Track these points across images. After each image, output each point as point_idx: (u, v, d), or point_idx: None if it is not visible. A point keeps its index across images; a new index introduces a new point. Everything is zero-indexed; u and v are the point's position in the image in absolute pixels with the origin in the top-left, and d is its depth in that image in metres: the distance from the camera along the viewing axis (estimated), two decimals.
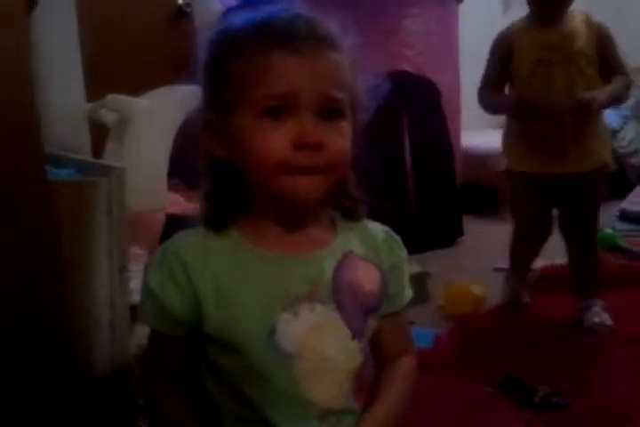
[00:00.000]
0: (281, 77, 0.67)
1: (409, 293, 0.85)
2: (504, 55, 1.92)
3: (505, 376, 1.57)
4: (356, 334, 0.76)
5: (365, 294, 0.77)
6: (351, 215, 0.80)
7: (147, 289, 0.72)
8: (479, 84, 2.00)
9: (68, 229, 0.99)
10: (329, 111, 0.69)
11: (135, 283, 1.27)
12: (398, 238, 0.83)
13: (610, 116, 2.97)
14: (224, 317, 0.71)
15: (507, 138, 2.00)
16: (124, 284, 1.11)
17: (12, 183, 0.87)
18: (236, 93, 0.69)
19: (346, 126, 0.71)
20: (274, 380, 0.72)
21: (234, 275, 0.71)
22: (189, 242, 0.73)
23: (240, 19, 0.71)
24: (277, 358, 0.71)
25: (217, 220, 0.74)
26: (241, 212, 0.75)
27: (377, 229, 0.82)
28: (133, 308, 1.16)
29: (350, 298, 0.75)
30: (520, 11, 4.34)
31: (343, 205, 0.79)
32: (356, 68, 0.73)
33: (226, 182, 0.74)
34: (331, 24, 0.71)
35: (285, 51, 0.67)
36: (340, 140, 0.70)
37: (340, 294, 0.74)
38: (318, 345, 0.73)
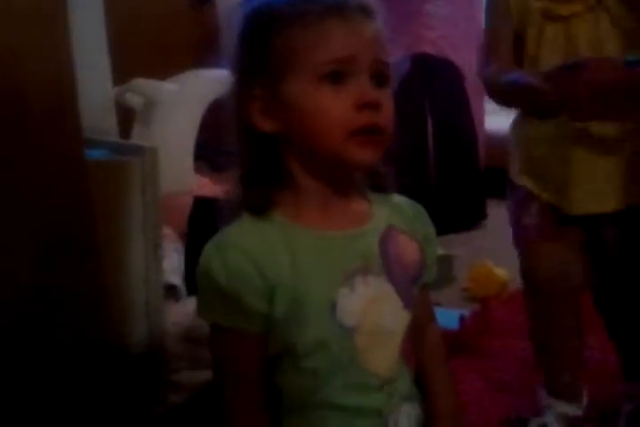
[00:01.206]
0: (339, 43, 0.68)
1: (435, 267, 0.86)
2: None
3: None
4: (406, 304, 0.77)
5: (409, 264, 0.78)
6: (380, 188, 0.80)
7: (215, 287, 0.70)
8: (478, 65, 1.34)
9: (103, 208, 1.01)
10: (380, 77, 0.70)
11: (165, 262, 1.29)
12: (424, 210, 0.84)
13: None
14: (291, 299, 0.70)
15: (522, 145, 1.33)
16: (158, 262, 1.13)
17: (52, 164, 0.89)
18: (290, 62, 0.69)
19: (390, 93, 0.72)
20: (336, 355, 0.72)
21: (293, 257, 0.71)
22: (244, 232, 0.72)
23: None
24: (340, 333, 0.72)
25: (258, 202, 0.73)
26: (278, 192, 0.74)
27: (406, 202, 0.83)
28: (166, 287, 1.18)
29: (399, 269, 0.76)
30: None
31: (372, 179, 0.80)
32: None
33: (266, 159, 0.73)
34: None
35: (338, 19, 0.68)
36: (389, 101, 0.71)
37: (389, 266, 0.75)
38: (376, 317, 0.74)
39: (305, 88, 0.69)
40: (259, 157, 0.73)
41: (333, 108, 0.68)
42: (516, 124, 1.35)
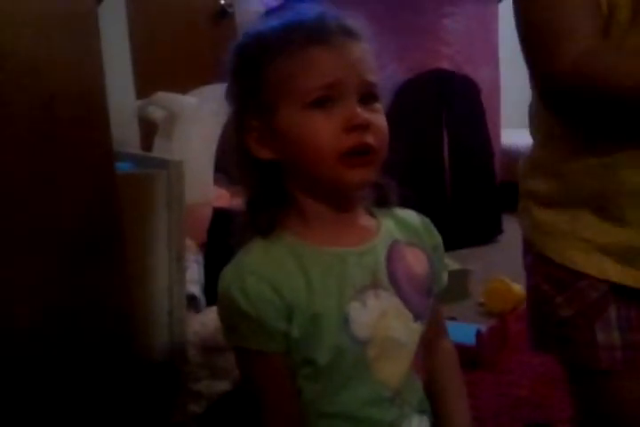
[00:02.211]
0: (323, 69, 0.70)
1: (446, 274, 0.87)
2: None
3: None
4: (417, 317, 0.78)
5: (418, 277, 0.79)
6: (382, 203, 0.82)
7: (237, 313, 0.72)
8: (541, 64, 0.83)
9: (129, 220, 1.02)
10: (368, 96, 0.72)
11: (186, 273, 1.31)
12: (430, 221, 0.86)
13: None
14: (307, 317, 0.72)
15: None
16: (181, 273, 1.15)
17: (83, 176, 0.91)
18: (277, 92, 0.71)
19: (381, 108, 0.74)
20: (349, 367, 0.74)
21: (305, 276, 0.73)
22: (258, 257, 0.74)
23: (266, 23, 0.74)
24: (352, 346, 0.73)
25: (265, 225, 0.75)
26: (285, 213, 0.76)
27: (411, 214, 0.85)
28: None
29: (406, 283, 0.78)
30: None
31: (374, 193, 0.81)
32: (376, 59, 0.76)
33: (268, 184, 0.76)
34: (354, 18, 0.75)
35: (321, 45, 0.70)
36: (381, 119, 0.73)
37: (397, 280, 0.77)
38: (387, 330, 0.75)
39: (295, 116, 0.71)
40: (261, 183, 0.76)
41: (323, 133, 0.70)
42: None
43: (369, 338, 0.74)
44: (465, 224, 2.78)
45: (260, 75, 0.72)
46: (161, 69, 2.37)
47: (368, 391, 0.76)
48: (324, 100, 0.70)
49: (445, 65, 2.79)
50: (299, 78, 0.70)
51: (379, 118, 0.73)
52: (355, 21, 0.75)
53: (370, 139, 0.70)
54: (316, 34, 0.71)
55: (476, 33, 2.88)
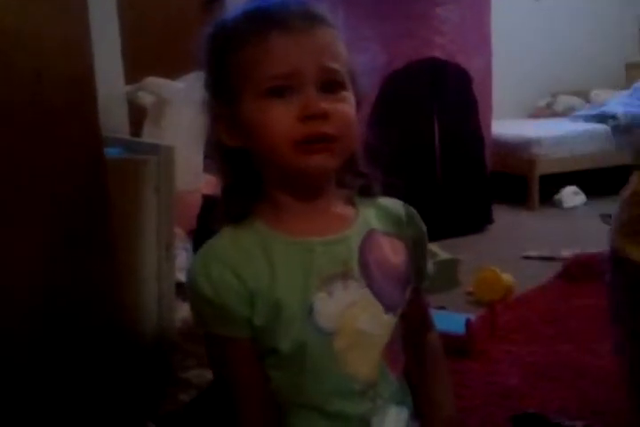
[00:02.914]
0: (282, 57, 0.69)
1: (430, 267, 0.87)
2: None
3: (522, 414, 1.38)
4: (389, 308, 0.77)
5: (393, 268, 0.79)
6: (366, 192, 0.81)
7: (203, 299, 0.73)
8: None
9: (119, 206, 1.01)
10: (330, 84, 0.71)
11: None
12: (416, 212, 0.85)
13: None
14: (269, 305, 0.72)
15: None
16: (170, 260, 1.13)
17: (72, 161, 0.90)
18: (240, 80, 0.71)
19: (348, 96, 0.73)
20: (315, 360, 0.74)
21: (270, 264, 0.73)
22: (225, 244, 0.75)
23: (235, 10, 0.74)
24: (317, 337, 0.73)
25: (238, 212, 0.75)
26: (258, 201, 0.76)
27: (395, 203, 0.84)
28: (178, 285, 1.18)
29: (379, 273, 0.77)
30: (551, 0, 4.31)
31: (357, 183, 0.81)
32: (351, 46, 0.75)
33: (240, 172, 0.76)
34: (321, 4, 0.74)
35: (281, 31, 0.69)
36: (344, 107, 0.72)
37: (369, 271, 0.76)
38: (354, 321, 0.75)
39: (254, 105, 0.71)
40: (234, 170, 0.76)
41: (279, 122, 0.69)
42: None
43: (335, 329, 0.74)
44: (455, 213, 2.78)
45: (225, 63, 0.72)
46: (150, 55, 2.33)
47: (336, 384, 0.75)
48: (282, 89, 0.69)
49: (438, 54, 2.77)
50: (257, 67, 0.70)
51: (341, 107, 0.71)
52: (320, 6, 0.74)
53: (327, 128, 0.70)
54: (275, 19, 0.70)
55: (469, 22, 2.87)
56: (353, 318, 0.75)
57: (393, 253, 0.79)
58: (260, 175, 0.76)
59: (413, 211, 0.84)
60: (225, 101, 0.73)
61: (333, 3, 0.78)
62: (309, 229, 0.75)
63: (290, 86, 0.69)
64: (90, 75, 0.91)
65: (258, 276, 0.73)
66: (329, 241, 0.75)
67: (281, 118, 0.69)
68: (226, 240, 0.75)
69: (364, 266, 0.76)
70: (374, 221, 0.80)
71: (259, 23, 0.70)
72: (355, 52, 0.76)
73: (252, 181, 0.76)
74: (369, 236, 0.78)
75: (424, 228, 0.84)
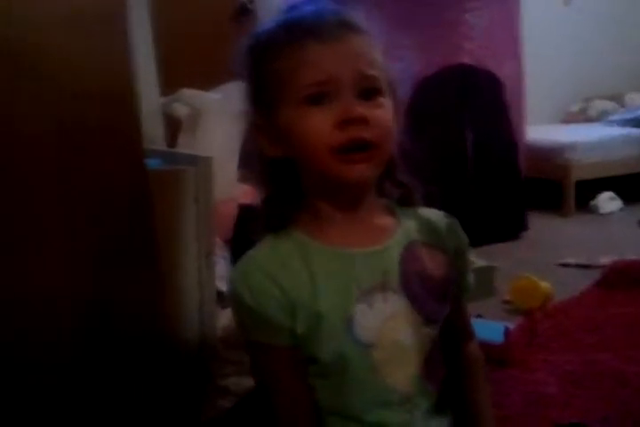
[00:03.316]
0: (318, 65, 0.70)
1: (472, 277, 0.86)
2: None
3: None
4: (429, 321, 0.77)
5: (434, 280, 0.78)
6: (406, 202, 0.81)
7: (244, 308, 0.74)
8: None
9: (160, 216, 1.03)
10: (368, 90, 0.71)
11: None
12: (458, 223, 0.84)
13: None
14: (310, 315, 0.73)
15: None
16: (210, 269, 1.15)
17: (115, 172, 0.92)
18: (279, 89, 0.72)
19: (386, 102, 0.73)
20: (354, 370, 0.74)
21: (310, 274, 0.73)
22: (266, 254, 0.75)
23: (270, 21, 0.75)
24: (357, 349, 0.73)
25: (278, 222, 0.76)
26: (298, 211, 0.77)
27: (437, 214, 0.83)
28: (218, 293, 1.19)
29: (419, 285, 0.76)
30: (581, 3, 4.27)
31: (397, 193, 0.81)
32: (387, 53, 0.75)
33: (282, 182, 0.76)
34: (356, 12, 0.75)
35: (317, 40, 0.70)
36: (383, 113, 0.72)
37: (409, 283, 0.76)
38: (394, 333, 0.75)
39: (293, 113, 0.71)
40: (276, 180, 0.77)
41: (317, 129, 0.70)
42: None
43: (374, 342, 0.74)
44: (490, 220, 2.75)
45: (263, 74, 0.73)
46: (184, 66, 2.37)
47: (375, 395, 0.75)
48: (320, 97, 0.70)
49: (467, 60, 2.76)
50: (294, 76, 0.70)
51: (379, 113, 0.71)
52: (355, 15, 0.74)
53: (367, 134, 0.70)
54: (310, 29, 0.71)
55: (499, 28, 2.85)
56: (392, 331, 0.75)
57: (433, 265, 0.78)
58: (299, 185, 0.76)
59: (455, 221, 0.83)
60: (264, 112, 0.74)
61: (368, 11, 0.78)
62: (350, 240, 0.75)
63: (327, 93, 0.70)
64: (131, 90, 0.93)
65: (298, 286, 0.73)
66: (369, 252, 0.75)
67: (319, 125, 0.70)
68: (266, 250, 0.76)
69: (404, 278, 0.76)
70: (415, 232, 0.79)
71: (294, 33, 0.71)
72: (391, 60, 0.76)
73: (292, 191, 0.76)
74: (409, 247, 0.78)
75: (466, 239, 0.83)
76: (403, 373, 0.76)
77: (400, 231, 0.78)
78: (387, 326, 0.74)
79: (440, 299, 0.79)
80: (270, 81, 0.73)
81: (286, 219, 0.76)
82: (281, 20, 0.74)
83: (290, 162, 0.75)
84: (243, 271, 0.75)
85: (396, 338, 0.75)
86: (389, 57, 0.77)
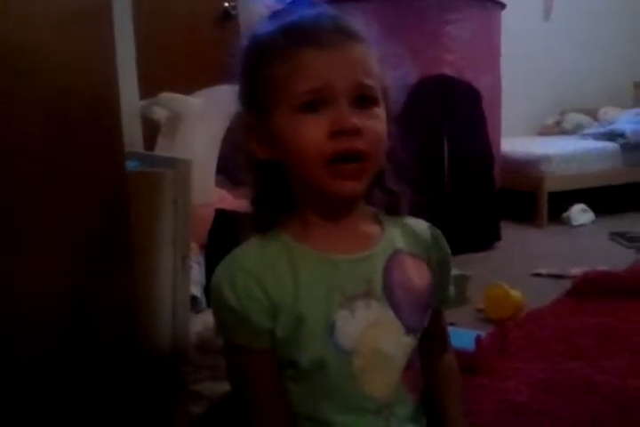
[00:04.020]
0: (315, 72, 0.70)
1: (452, 289, 0.87)
2: None
3: None
4: (409, 330, 0.77)
5: (417, 289, 0.78)
6: (393, 210, 0.82)
7: (226, 308, 0.73)
8: None
9: (137, 218, 1.02)
10: (362, 99, 0.71)
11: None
12: (442, 235, 0.85)
13: None
14: (291, 318, 0.73)
15: None
16: (186, 272, 1.14)
17: (94, 174, 0.91)
18: (274, 94, 0.72)
19: (380, 112, 0.73)
20: (333, 376, 0.74)
21: (295, 277, 0.73)
22: (251, 253, 0.75)
23: (269, 25, 0.75)
24: (337, 355, 0.73)
25: (264, 223, 0.76)
26: (286, 214, 0.77)
27: (422, 225, 0.84)
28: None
29: (402, 294, 0.77)
30: (560, 19, 4.36)
31: (384, 201, 0.81)
32: (383, 61, 0.75)
33: (270, 184, 0.77)
34: (354, 19, 0.75)
35: (314, 46, 0.70)
36: (377, 124, 0.72)
37: (392, 291, 0.76)
38: (375, 341, 0.75)
39: (286, 119, 0.71)
40: (264, 182, 0.77)
41: (310, 137, 0.69)
42: None
43: (354, 348, 0.74)
44: (463, 230, 2.78)
45: (259, 77, 0.73)
46: (165, 70, 2.37)
47: (352, 402, 0.75)
48: (315, 104, 0.70)
49: (447, 71, 2.80)
50: (290, 81, 0.70)
51: (373, 123, 0.71)
52: (354, 22, 0.74)
53: (360, 144, 0.69)
54: (308, 34, 0.71)
55: (479, 40, 2.90)
56: (373, 338, 0.75)
57: (417, 274, 0.79)
58: (287, 187, 0.77)
59: (439, 233, 0.84)
60: (257, 114, 0.74)
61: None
62: (335, 246, 0.75)
63: (322, 100, 0.70)
64: (114, 93, 0.93)
65: (282, 288, 0.73)
66: (354, 259, 0.75)
67: (312, 134, 0.69)
68: (253, 250, 0.75)
69: (387, 286, 0.76)
70: (400, 241, 0.80)
71: (292, 38, 0.71)
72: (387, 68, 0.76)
73: (280, 193, 0.77)
74: (394, 256, 0.78)
75: (449, 250, 0.84)
76: (382, 381, 0.76)
77: (385, 240, 0.78)
78: (368, 334, 0.74)
79: (422, 309, 0.79)
80: (266, 84, 0.73)
81: (274, 220, 0.76)
82: (280, 24, 0.74)
83: (278, 165, 0.75)
84: (227, 270, 0.74)
85: (376, 346, 0.75)
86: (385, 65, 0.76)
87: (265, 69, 0.72)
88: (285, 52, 0.71)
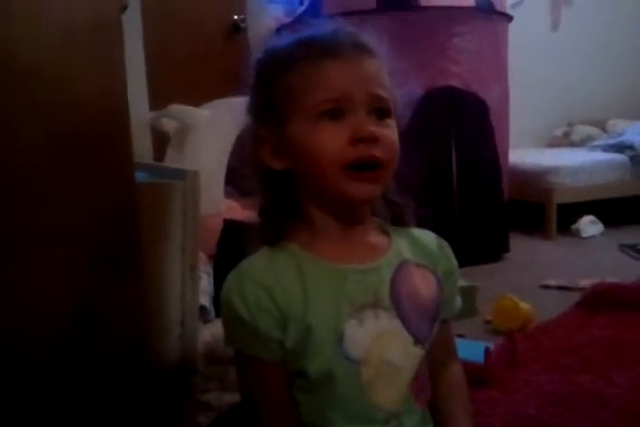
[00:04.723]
0: (333, 82, 0.71)
1: (459, 300, 0.87)
2: None
3: None
4: (417, 340, 0.77)
5: (424, 300, 0.79)
6: (399, 221, 0.82)
7: (236, 318, 0.73)
8: None
9: (146, 229, 1.03)
10: (378, 111, 0.73)
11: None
12: (448, 245, 0.85)
13: None
14: (300, 328, 0.73)
15: None
16: (194, 282, 1.15)
17: (104, 185, 0.92)
18: (291, 104, 0.73)
19: (393, 123, 0.75)
20: (342, 386, 0.74)
21: (303, 288, 0.74)
22: (261, 264, 0.75)
23: (284, 39, 0.77)
24: (346, 365, 0.73)
25: (271, 234, 0.76)
26: (294, 225, 0.77)
27: (428, 235, 0.84)
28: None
29: (410, 305, 0.77)
30: (569, 29, 4.37)
31: (388, 212, 0.81)
32: (391, 77, 0.77)
33: (279, 195, 0.77)
34: (367, 35, 0.77)
35: (334, 59, 0.72)
36: (392, 134, 0.74)
37: (400, 302, 0.76)
38: (383, 351, 0.75)
39: (305, 127, 0.72)
40: (274, 192, 0.78)
41: (330, 144, 0.71)
42: None
43: (363, 359, 0.74)
44: (472, 242, 2.78)
45: (274, 88, 0.75)
46: (174, 82, 2.39)
47: (360, 411, 0.75)
48: (334, 112, 0.71)
49: (455, 83, 2.81)
50: (309, 92, 0.72)
51: (388, 133, 0.73)
52: (367, 38, 0.76)
53: (377, 152, 0.71)
54: (328, 48, 0.72)
55: (486, 52, 2.91)
56: (382, 348, 0.75)
57: (424, 285, 0.79)
58: (295, 197, 0.77)
59: (445, 243, 0.84)
60: (272, 124, 0.75)
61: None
62: (343, 256, 0.76)
63: (341, 109, 0.71)
64: (124, 104, 0.94)
65: (291, 299, 0.73)
66: (362, 270, 0.76)
67: (332, 140, 0.71)
68: (262, 261, 0.76)
69: (395, 297, 0.76)
70: (407, 251, 0.80)
71: (312, 50, 0.73)
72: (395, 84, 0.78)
73: (288, 203, 0.77)
74: (401, 267, 0.78)
75: (455, 262, 0.84)
76: (390, 391, 0.76)
77: (393, 250, 0.79)
78: (376, 344, 0.74)
79: (430, 319, 0.79)
80: (283, 94, 0.74)
81: (282, 231, 0.77)
82: (298, 38, 0.76)
83: (287, 175, 0.76)
84: (237, 281, 0.75)
85: (385, 356, 0.75)
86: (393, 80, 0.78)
87: (282, 80, 0.74)
88: (304, 64, 0.73)
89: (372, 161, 0.71)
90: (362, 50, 0.74)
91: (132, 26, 1.96)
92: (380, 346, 0.75)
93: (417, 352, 0.78)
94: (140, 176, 1.20)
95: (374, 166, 0.72)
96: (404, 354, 0.76)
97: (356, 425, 0.76)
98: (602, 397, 1.56)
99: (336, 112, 0.71)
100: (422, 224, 0.84)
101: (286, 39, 0.77)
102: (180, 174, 1.15)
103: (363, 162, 0.71)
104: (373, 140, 0.71)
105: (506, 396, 1.58)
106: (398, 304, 0.76)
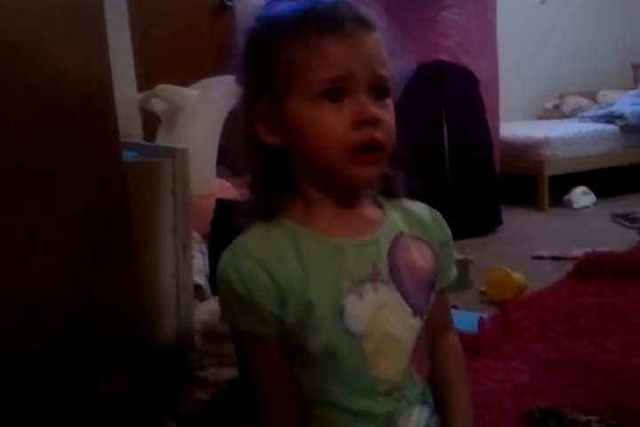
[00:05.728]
0: (336, 60, 0.69)
1: (454, 270, 0.87)
2: None
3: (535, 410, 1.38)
4: (416, 311, 0.78)
5: (421, 271, 0.78)
6: (390, 193, 0.81)
7: (233, 294, 0.72)
8: None
9: (136, 208, 1.03)
10: (379, 90, 0.71)
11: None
12: (441, 215, 0.85)
13: None
14: (301, 304, 0.72)
15: None
16: (187, 261, 1.16)
17: (91, 165, 0.92)
18: (291, 78, 0.71)
19: (391, 104, 0.74)
20: (343, 361, 0.74)
21: (301, 263, 0.73)
22: (256, 240, 0.74)
23: (280, 8, 0.73)
24: (347, 339, 0.73)
25: (266, 209, 0.75)
26: (288, 199, 0.76)
27: (420, 207, 0.84)
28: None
29: (408, 276, 0.77)
30: (557, 1, 4.33)
31: (381, 183, 0.81)
32: (388, 50, 0.74)
33: (273, 169, 0.76)
34: (368, 7, 0.74)
35: (335, 35, 0.69)
36: (389, 115, 0.72)
37: (398, 273, 0.76)
38: (383, 324, 0.75)
39: (304, 106, 0.70)
40: (267, 167, 0.76)
41: (332, 126, 0.69)
42: None
43: (365, 332, 0.74)
44: (465, 215, 2.79)
45: (272, 61, 0.72)
46: (162, 62, 2.37)
47: (363, 385, 0.76)
48: (334, 92, 0.69)
49: (444, 57, 2.80)
50: (310, 68, 0.69)
51: (387, 114, 0.72)
52: (368, 10, 0.73)
53: (379, 134, 0.70)
54: (329, 22, 0.70)
55: (475, 25, 2.89)
56: (383, 321, 0.75)
57: (420, 256, 0.79)
58: (290, 172, 0.76)
59: (438, 214, 0.84)
60: (269, 99, 0.73)
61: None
62: (339, 230, 0.75)
63: (342, 90, 0.69)
64: (108, 84, 0.94)
65: (289, 274, 0.72)
66: (359, 243, 0.75)
67: (334, 122, 0.69)
68: (257, 237, 0.75)
69: (393, 269, 0.76)
70: (401, 224, 0.80)
71: (311, 23, 0.70)
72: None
73: (282, 178, 0.76)
74: (398, 239, 0.78)
75: (449, 231, 0.84)
76: (392, 363, 0.77)
77: (388, 223, 0.78)
78: (377, 317, 0.74)
79: (427, 290, 0.79)
80: (279, 69, 0.71)
81: (276, 206, 0.76)
82: (296, 10, 0.72)
83: (282, 150, 0.74)
84: (233, 257, 0.74)
85: (385, 328, 0.75)
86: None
87: (281, 53, 0.71)
88: (305, 39, 0.70)
89: (374, 144, 0.70)
90: (363, 24, 0.71)
91: (117, 5, 1.94)
92: (381, 319, 0.75)
93: (416, 323, 0.78)
94: (129, 155, 1.20)
95: (376, 149, 0.71)
96: (403, 326, 0.77)
97: (359, 399, 0.76)
98: (593, 363, 1.59)
99: (337, 92, 0.69)
100: (415, 198, 0.84)
101: (283, 9, 0.73)
102: (169, 152, 1.15)
103: (367, 145, 0.70)
104: (375, 122, 0.70)
105: (499, 364, 1.61)
106: (396, 276, 0.76)
